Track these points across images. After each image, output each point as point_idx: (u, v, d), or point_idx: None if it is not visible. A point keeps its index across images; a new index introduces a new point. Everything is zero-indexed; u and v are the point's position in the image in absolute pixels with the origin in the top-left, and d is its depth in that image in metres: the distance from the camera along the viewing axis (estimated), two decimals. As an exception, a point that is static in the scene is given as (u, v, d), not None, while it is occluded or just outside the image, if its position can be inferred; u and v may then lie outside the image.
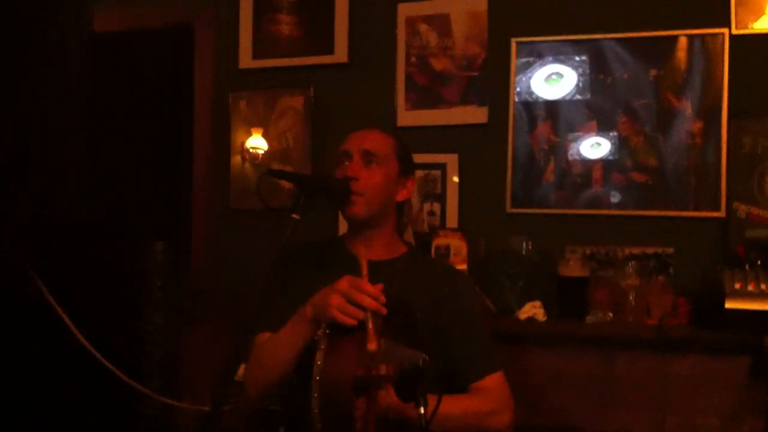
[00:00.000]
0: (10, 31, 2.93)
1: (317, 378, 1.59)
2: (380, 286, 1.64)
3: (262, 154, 3.22)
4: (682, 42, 2.79)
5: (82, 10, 3.31)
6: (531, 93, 2.94)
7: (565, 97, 2.90)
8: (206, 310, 3.16)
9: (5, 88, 2.91)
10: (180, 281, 3.24)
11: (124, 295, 3.49)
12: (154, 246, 3.26)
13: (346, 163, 1.95)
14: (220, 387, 1.94)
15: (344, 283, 1.64)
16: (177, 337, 3.22)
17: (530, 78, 2.94)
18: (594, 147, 2.86)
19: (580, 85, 2.88)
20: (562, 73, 2.91)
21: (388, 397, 1.59)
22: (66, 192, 3.55)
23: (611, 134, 2.85)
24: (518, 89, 2.95)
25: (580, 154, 2.88)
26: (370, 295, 1.61)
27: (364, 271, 1.68)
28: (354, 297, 1.61)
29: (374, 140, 1.98)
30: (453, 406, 1.77)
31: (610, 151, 2.84)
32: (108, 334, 3.22)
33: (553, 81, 2.92)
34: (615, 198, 2.83)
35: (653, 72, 2.82)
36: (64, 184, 3.54)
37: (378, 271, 1.78)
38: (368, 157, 1.94)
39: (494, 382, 1.91)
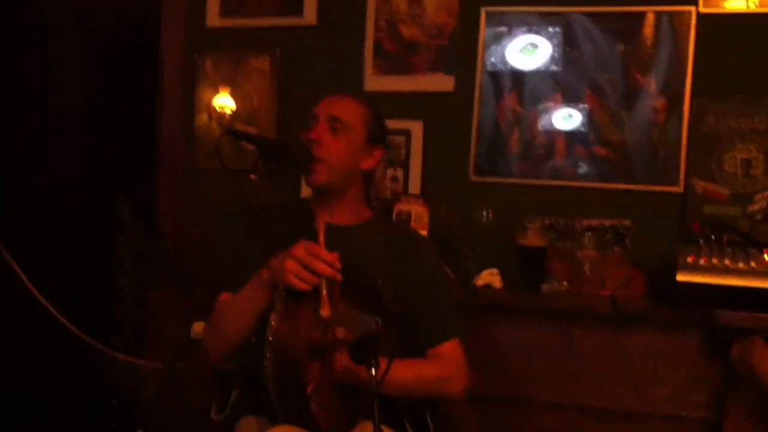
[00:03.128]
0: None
1: (270, 339, 1.60)
2: (336, 254, 1.64)
3: (230, 114, 3.18)
4: (650, 18, 2.80)
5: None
6: (505, 63, 2.93)
7: (539, 68, 2.90)
8: (172, 270, 3.15)
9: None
10: (146, 241, 3.23)
11: (90, 255, 3.48)
12: (122, 206, 3.24)
13: (312, 126, 1.95)
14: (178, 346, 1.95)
15: (299, 248, 1.65)
16: (144, 295, 3.21)
17: (505, 48, 2.93)
18: (565, 119, 2.87)
19: (556, 56, 2.89)
20: (537, 44, 2.91)
21: (343, 360, 1.61)
22: (31, 154, 3.52)
23: (577, 107, 2.86)
24: (492, 59, 2.94)
25: (544, 126, 2.89)
26: (325, 261, 1.62)
27: (321, 236, 1.68)
28: (309, 263, 1.62)
29: (343, 107, 1.97)
30: (406, 370, 1.80)
31: (575, 124, 2.86)
32: (76, 293, 3.21)
33: (528, 52, 2.91)
34: (577, 170, 2.85)
35: (620, 47, 2.82)
36: (30, 145, 3.51)
37: (341, 235, 1.79)
38: (334, 123, 1.94)
39: (450, 348, 1.93)
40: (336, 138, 1.93)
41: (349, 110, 1.97)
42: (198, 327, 1.88)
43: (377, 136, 2.02)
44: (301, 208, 2.06)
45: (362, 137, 1.98)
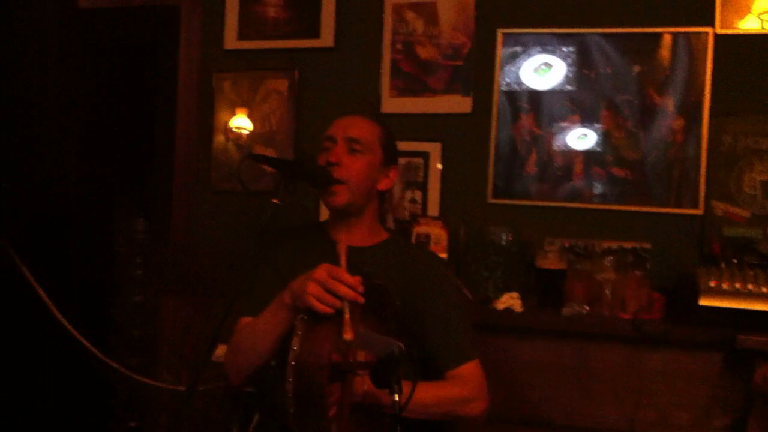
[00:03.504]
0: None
1: (292, 363, 1.60)
2: (358, 277, 1.64)
3: (246, 135, 3.20)
4: (666, 39, 2.80)
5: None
6: (520, 83, 2.94)
7: (554, 87, 2.91)
8: (186, 287, 3.15)
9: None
10: (160, 258, 3.23)
11: (104, 272, 3.49)
12: (135, 223, 3.25)
13: (330, 149, 1.95)
14: (196, 368, 1.94)
15: (321, 271, 1.64)
16: (156, 314, 3.21)
17: (519, 68, 2.94)
18: (580, 138, 2.87)
19: (570, 75, 2.89)
20: (552, 64, 2.91)
21: (364, 383, 1.60)
22: (45, 168, 3.53)
23: (594, 128, 2.86)
24: (507, 79, 2.95)
25: (561, 147, 2.89)
26: (348, 284, 1.61)
27: (343, 259, 1.68)
28: (331, 286, 1.61)
29: (360, 127, 1.98)
30: (428, 393, 1.79)
31: (592, 144, 2.86)
32: (88, 310, 3.22)
33: (542, 71, 2.92)
34: (595, 191, 2.85)
35: (636, 68, 2.83)
36: (44, 159, 3.53)
37: (358, 257, 1.78)
38: (352, 144, 1.94)
39: (470, 370, 1.92)
40: (355, 159, 1.94)
41: (366, 131, 1.98)
42: (221, 350, 1.88)
43: (392, 156, 2.04)
44: (316, 230, 2.06)
45: (379, 157, 1.99)
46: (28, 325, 2.99)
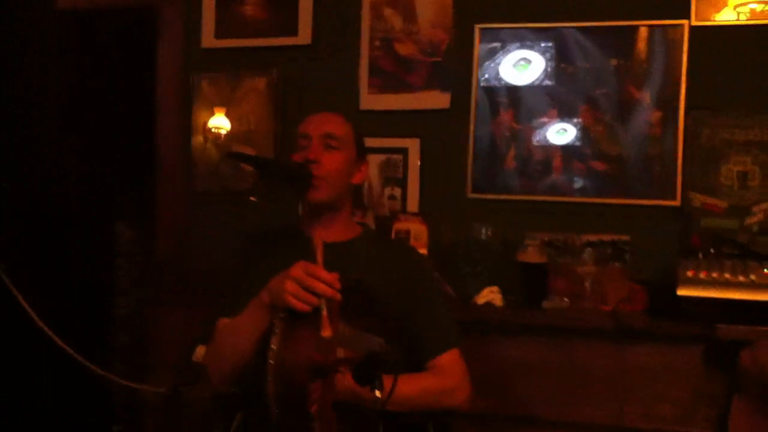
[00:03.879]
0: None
1: (271, 362, 1.59)
2: (335, 273, 1.63)
3: (225, 134, 3.18)
4: (643, 32, 2.82)
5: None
6: (499, 79, 2.94)
7: (533, 82, 2.91)
8: (175, 292, 3.13)
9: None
10: (147, 263, 3.22)
11: (91, 279, 3.48)
12: (121, 228, 3.23)
13: (306, 146, 1.96)
14: (181, 370, 1.93)
15: (298, 269, 1.63)
16: (145, 319, 3.19)
17: (498, 64, 2.95)
18: (560, 133, 2.88)
19: (549, 70, 2.90)
20: (530, 59, 2.92)
21: (345, 380, 1.60)
22: (32, 174, 3.51)
23: (573, 122, 2.87)
24: (486, 75, 2.95)
25: (541, 142, 2.90)
26: (325, 281, 1.61)
27: (319, 256, 1.67)
28: (308, 283, 1.61)
29: (334, 123, 2.00)
30: (409, 386, 1.78)
31: (571, 139, 2.87)
32: (75, 317, 3.20)
33: (521, 67, 2.93)
34: (575, 185, 2.86)
35: (614, 62, 2.84)
36: (31, 166, 3.50)
37: (334, 252, 1.78)
38: (328, 140, 1.95)
39: (450, 359, 1.93)
40: (332, 155, 1.95)
41: (339, 126, 2.00)
42: (201, 351, 1.87)
43: (363, 150, 2.07)
44: (292, 228, 2.06)
45: (353, 152, 2.01)
46: (27, 324, 2.97)
